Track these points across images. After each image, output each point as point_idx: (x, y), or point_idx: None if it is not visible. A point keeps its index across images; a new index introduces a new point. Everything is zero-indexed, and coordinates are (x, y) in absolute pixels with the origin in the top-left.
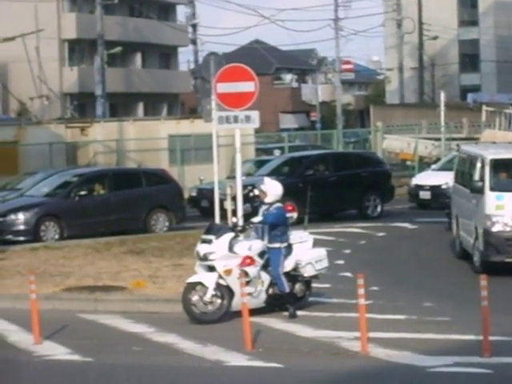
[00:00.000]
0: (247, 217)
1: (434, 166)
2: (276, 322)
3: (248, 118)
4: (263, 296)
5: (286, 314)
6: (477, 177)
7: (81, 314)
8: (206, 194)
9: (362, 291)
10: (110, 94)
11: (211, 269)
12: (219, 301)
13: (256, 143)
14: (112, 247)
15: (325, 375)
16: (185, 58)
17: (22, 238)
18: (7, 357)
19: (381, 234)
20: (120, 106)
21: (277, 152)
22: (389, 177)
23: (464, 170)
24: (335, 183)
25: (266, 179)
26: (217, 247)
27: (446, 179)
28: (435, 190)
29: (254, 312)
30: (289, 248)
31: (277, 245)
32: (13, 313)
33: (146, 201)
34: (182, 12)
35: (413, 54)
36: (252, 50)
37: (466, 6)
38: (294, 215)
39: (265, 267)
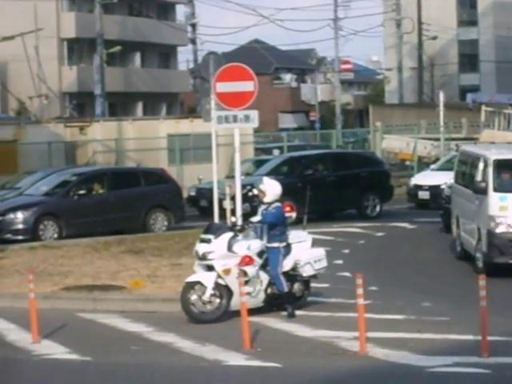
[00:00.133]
0: (246, 216)
1: (433, 166)
2: (275, 322)
3: (247, 118)
4: (262, 295)
5: (285, 313)
6: (479, 177)
7: (79, 314)
8: (205, 193)
9: (360, 291)
10: (109, 93)
11: (210, 268)
12: (218, 300)
13: (255, 143)
14: (111, 246)
15: (323, 375)
16: (184, 58)
17: (20, 237)
18: (5, 356)
19: (380, 234)
20: (119, 105)
21: (276, 152)
22: (388, 177)
23: (465, 171)
24: (334, 183)
25: (265, 179)
26: (216, 247)
27: (445, 179)
28: (434, 190)
29: (253, 311)
30: (288, 248)
31: (276, 244)
32: (11, 312)
33: (144, 200)
34: (181, 11)
35: (412, 54)
36: (251, 49)
37: (466, 6)
38: (293, 215)
39: (263, 267)
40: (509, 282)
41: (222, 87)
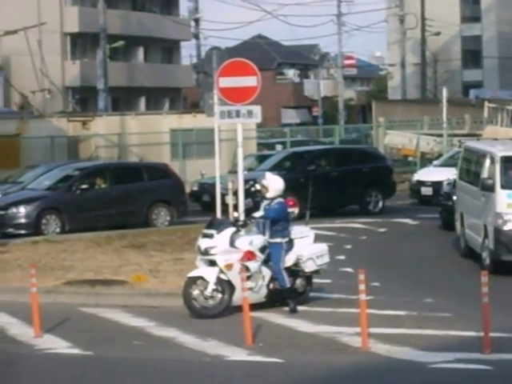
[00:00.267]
0: (249, 212)
1: (435, 162)
2: (276, 317)
3: (250, 113)
4: (264, 291)
5: (287, 309)
6: (486, 174)
7: (81, 308)
8: (207, 188)
9: (362, 287)
10: (112, 88)
11: (212, 263)
12: (220, 295)
13: (258, 138)
14: (113, 241)
15: (325, 370)
16: (187, 53)
17: (23, 232)
18: (7, 350)
19: (382, 230)
20: (122, 100)
21: (278, 147)
22: (390, 172)
23: (470, 167)
24: (337, 178)
25: (268, 174)
26: (218, 242)
27: (447, 175)
28: (437, 186)
29: (255, 307)
30: (290, 243)
31: (278, 240)
32: (13, 306)
33: (147, 195)
34: (184, 6)
35: (415, 50)
36: (254, 44)
37: (469, 2)
38: (296, 210)
39: (266, 262)
40: None
41: (225, 82)
